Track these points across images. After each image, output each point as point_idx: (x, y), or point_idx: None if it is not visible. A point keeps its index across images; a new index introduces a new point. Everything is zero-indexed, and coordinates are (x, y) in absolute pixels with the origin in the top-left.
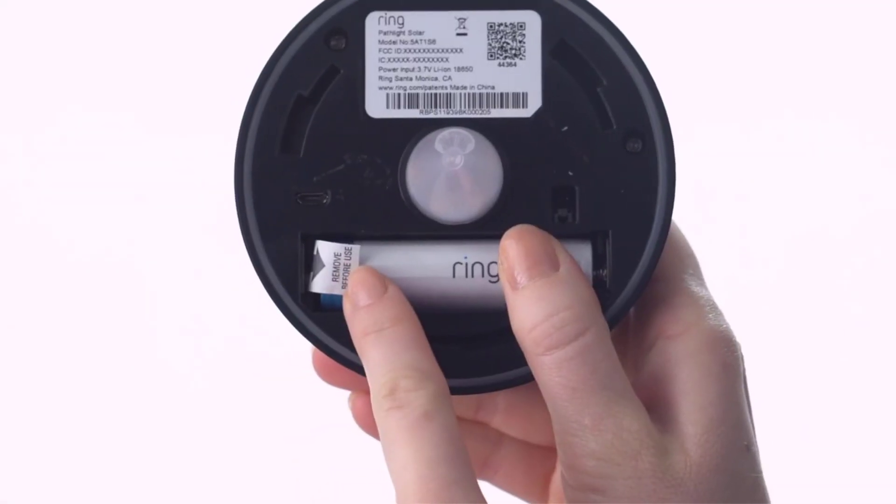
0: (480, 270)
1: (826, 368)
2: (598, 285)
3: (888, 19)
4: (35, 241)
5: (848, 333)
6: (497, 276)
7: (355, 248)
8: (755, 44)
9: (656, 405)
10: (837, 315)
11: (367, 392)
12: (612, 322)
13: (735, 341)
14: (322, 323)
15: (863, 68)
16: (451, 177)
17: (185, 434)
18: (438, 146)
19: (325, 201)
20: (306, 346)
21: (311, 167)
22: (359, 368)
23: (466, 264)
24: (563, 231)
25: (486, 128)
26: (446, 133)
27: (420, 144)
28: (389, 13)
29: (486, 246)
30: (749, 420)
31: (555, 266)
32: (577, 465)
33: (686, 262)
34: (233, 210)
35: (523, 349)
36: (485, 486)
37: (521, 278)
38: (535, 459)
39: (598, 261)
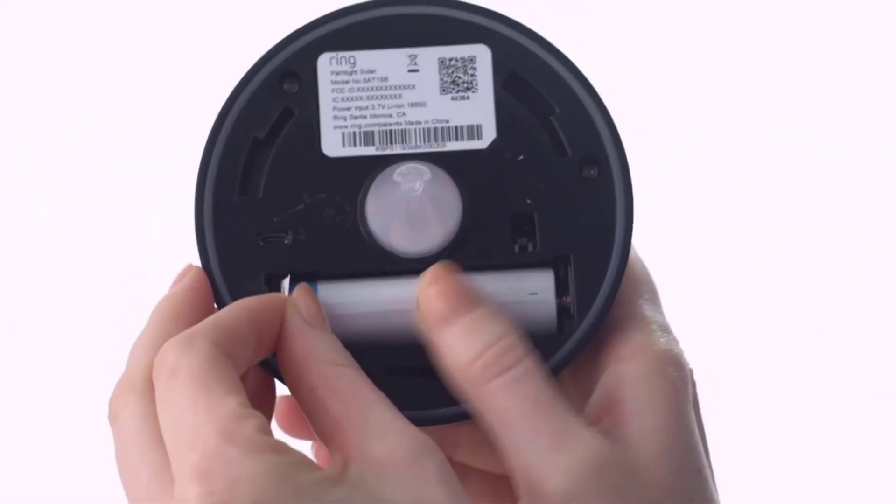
0: None
1: (822, 372)
2: (563, 312)
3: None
4: (36, 241)
5: (844, 337)
6: None
7: (314, 287)
8: (704, 63)
9: (607, 427)
10: (835, 318)
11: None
12: (578, 347)
13: (685, 365)
14: None
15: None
16: (410, 203)
17: None
18: (397, 179)
19: (286, 241)
20: None
21: (271, 208)
22: None
23: None
24: (524, 259)
25: (443, 161)
26: (404, 168)
27: (378, 180)
28: (341, 53)
29: None
30: (700, 443)
31: (477, 302)
32: (543, 488)
33: (641, 286)
34: None
35: (462, 384)
36: None
37: (448, 316)
38: (502, 490)
39: (560, 288)
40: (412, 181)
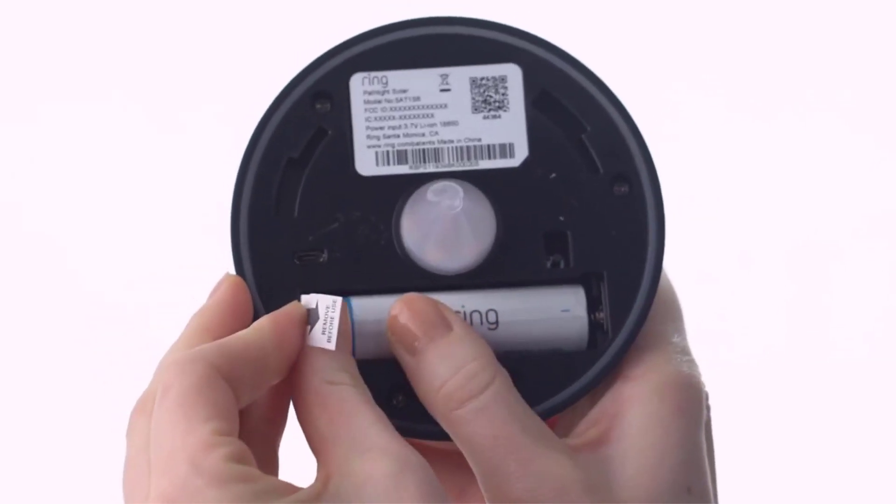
0: (479, 318)
1: (826, 381)
2: (596, 328)
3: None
4: (37, 242)
5: (849, 348)
6: (496, 322)
7: (338, 301)
8: (734, 75)
9: (597, 443)
10: (841, 325)
11: None
12: (612, 363)
13: (698, 386)
14: None
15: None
16: (447, 221)
17: None
18: (432, 197)
19: (321, 259)
20: None
21: (306, 227)
22: None
23: (465, 312)
24: (556, 276)
25: (476, 179)
26: (438, 185)
27: (413, 198)
28: (373, 73)
29: (482, 294)
30: (698, 463)
31: (448, 327)
32: None
33: (664, 308)
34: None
35: (434, 410)
36: None
37: (419, 343)
38: None
39: (592, 304)
40: (451, 199)
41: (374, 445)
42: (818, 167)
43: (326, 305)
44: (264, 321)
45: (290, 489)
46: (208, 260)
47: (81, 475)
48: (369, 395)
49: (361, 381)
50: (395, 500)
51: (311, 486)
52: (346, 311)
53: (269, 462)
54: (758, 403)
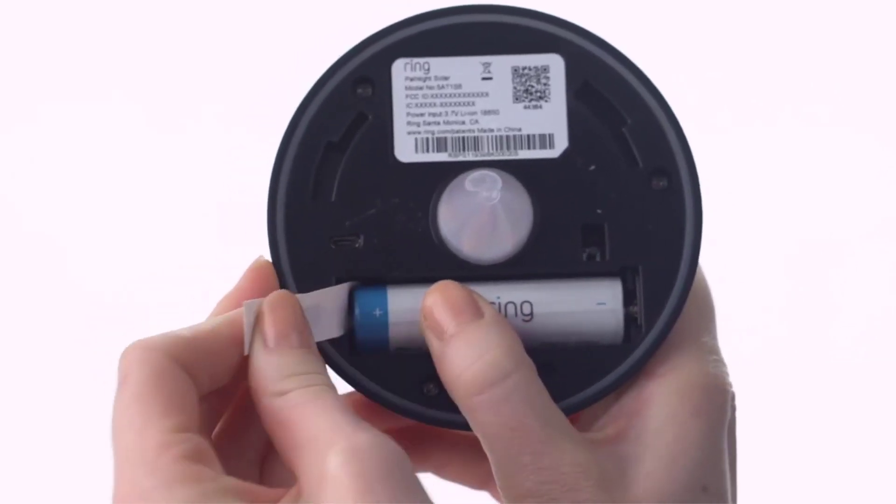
0: (514, 310)
1: (828, 381)
2: (630, 322)
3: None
4: (39, 244)
5: (852, 343)
6: (530, 314)
7: (253, 303)
8: (780, 75)
9: (615, 439)
10: (843, 327)
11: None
12: (646, 357)
13: (724, 387)
14: (358, 364)
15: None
16: (486, 212)
17: None
18: (470, 186)
19: (357, 245)
20: None
21: (344, 212)
22: (396, 407)
23: (499, 304)
24: (592, 268)
25: (515, 169)
26: (477, 174)
27: (451, 186)
28: (415, 59)
29: (517, 285)
30: (715, 463)
31: (479, 314)
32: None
33: (697, 306)
34: (237, 212)
35: (456, 397)
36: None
37: (449, 328)
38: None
39: (627, 297)
40: (489, 189)
41: (328, 442)
42: (824, 168)
43: (246, 308)
44: (232, 312)
45: (251, 491)
46: (208, 260)
47: (81, 475)
48: (322, 384)
49: (314, 373)
50: (350, 492)
51: (286, 496)
52: (294, 305)
53: (247, 448)
54: (757, 402)
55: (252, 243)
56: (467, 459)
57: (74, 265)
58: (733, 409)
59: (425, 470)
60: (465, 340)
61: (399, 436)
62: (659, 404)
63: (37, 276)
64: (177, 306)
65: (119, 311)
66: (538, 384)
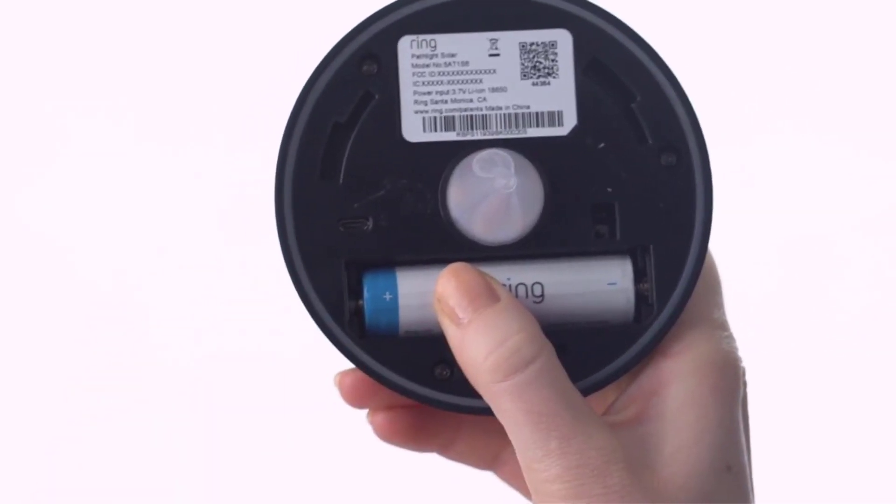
0: (524, 291)
1: (828, 375)
2: (641, 300)
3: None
4: (43, 249)
5: (849, 341)
6: (541, 296)
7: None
8: (788, 57)
9: (635, 421)
10: (839, 323)
11: (389, 408)
12: (658, 337)
13: (736, 363)
14: (369, 348)
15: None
16: (503, 199)
17: (205, 448)
18: (479, 167)
19: (366, 227)
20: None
21: (352, 194)
22: (407, 392)
23: (510, 285)
24: (602, 247)
25: (524, 147)
26: (486, 154)
27: (460, 166)
28: (421, 36)
29: (528, 266)
30: (736, 441)
31: (495, 298)
32: (544, 489)
33: (706, 282)
34: (241, 216)
35: (476, 382)
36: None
37: (465, 313)
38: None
39: (638, 276)
40: (505, 176)
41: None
42: (823, 168)
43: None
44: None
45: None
46: (208, 260)
47: (81, 475)
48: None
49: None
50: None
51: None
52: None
53: None
54: (757, 402)
55: (253, 243)
56: (473, 439)
57: (75, 265)
58: (745, 384)
59: (430, 450)
60: (483, 326)
61: (403, 414)
62: (677, 384)
63: (37, 275)
64: (177, 306)
65: (119, 310)
66: (560, 368)
